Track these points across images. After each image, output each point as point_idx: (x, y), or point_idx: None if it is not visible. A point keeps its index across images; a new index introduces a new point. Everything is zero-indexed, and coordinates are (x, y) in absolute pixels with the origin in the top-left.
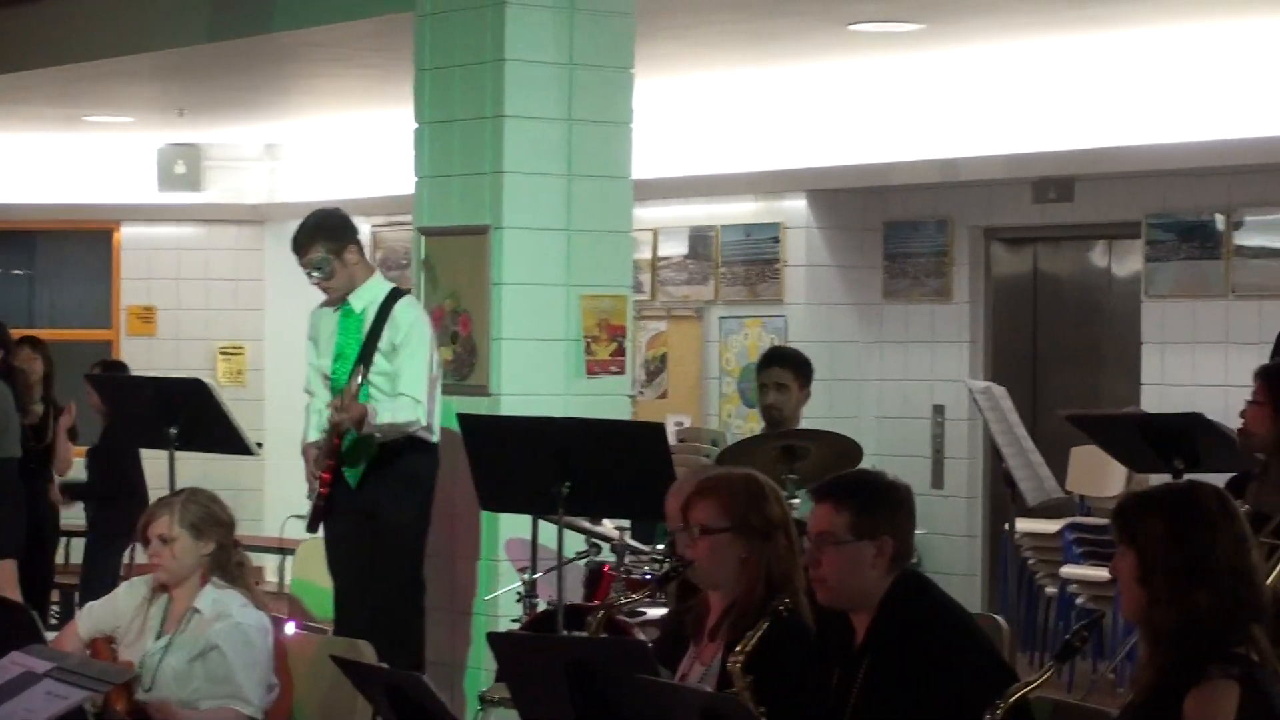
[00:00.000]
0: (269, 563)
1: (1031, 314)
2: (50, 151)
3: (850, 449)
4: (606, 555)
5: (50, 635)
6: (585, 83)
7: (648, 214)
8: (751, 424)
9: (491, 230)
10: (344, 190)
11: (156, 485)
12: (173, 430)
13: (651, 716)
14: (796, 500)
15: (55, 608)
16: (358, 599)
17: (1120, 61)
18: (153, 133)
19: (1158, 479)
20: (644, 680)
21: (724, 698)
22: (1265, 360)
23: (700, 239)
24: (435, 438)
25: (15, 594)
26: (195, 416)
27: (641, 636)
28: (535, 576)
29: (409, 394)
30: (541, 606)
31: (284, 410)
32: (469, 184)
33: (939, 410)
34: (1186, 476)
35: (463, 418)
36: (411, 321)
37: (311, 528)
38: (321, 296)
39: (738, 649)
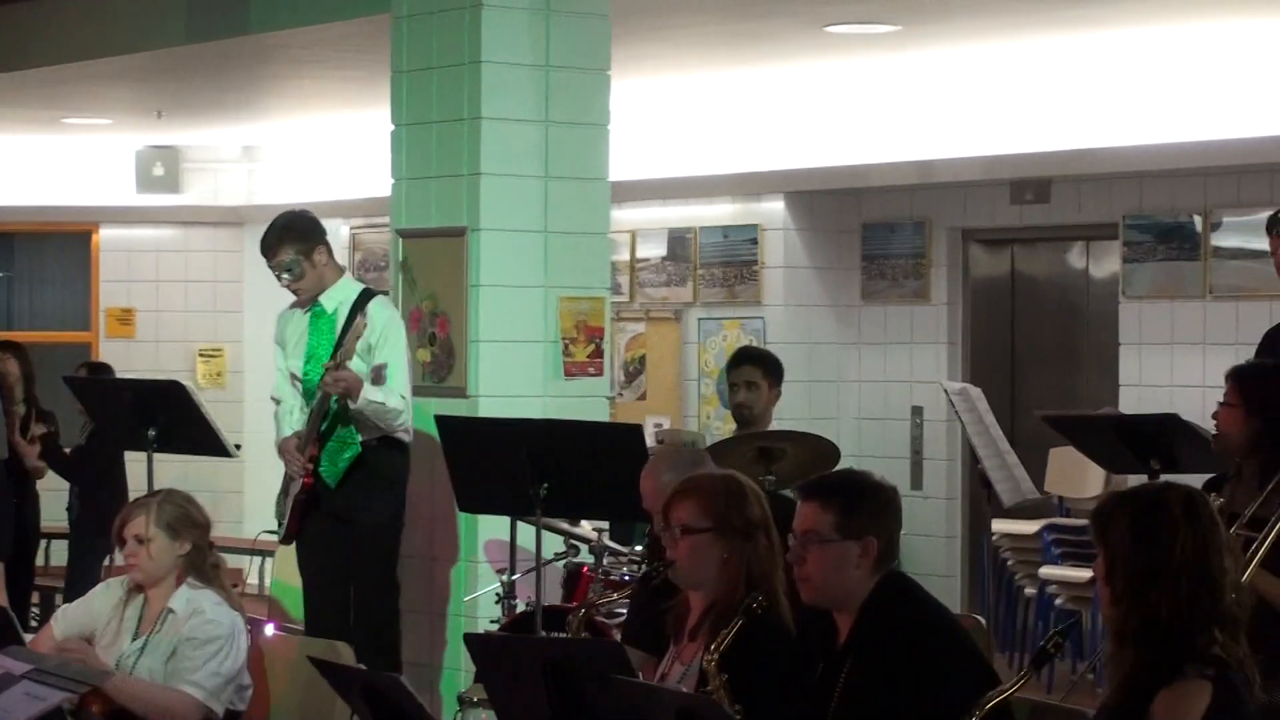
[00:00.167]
0: (249, 565)
1: (1009, 315)
2: (29, 153)
3: (828, 450)
4: (585, 557)
5: (29, 637)
6: (562, 84)
7: (626, 215)
8: (731, 425)
9: (469, 232)
10: (322, 192)
11: (135, 487)
12: (151, 432)
13: (628, 716)
14: None
15: (35, 609)
16: (330, 600)
17: (1097, 63)
18: (131, 135)
19: (1137, 480)
20: (620, 680)
21: (699, 698)
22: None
23: (678, 241)
24: (409, 438)
25: (1, 597)
26: (174, 418)
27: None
28: (514, 578)
29: (397, 390)
30: (520, 607)
31: (264, 412)
32: (446, 186)
33: (918, 412)
34: (1164, 477)
35: (440, 419)
36: (386, 321)
37: (287, 539)
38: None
39: (712, 647)
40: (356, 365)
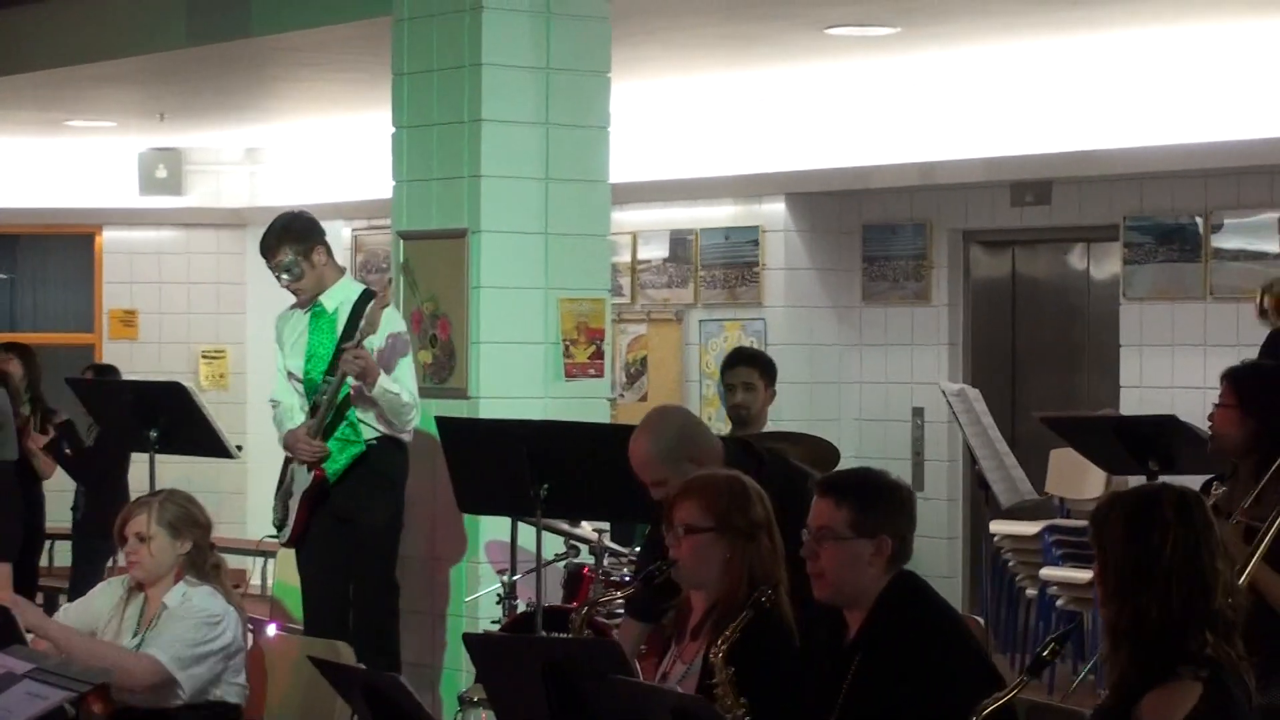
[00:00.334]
0: (252, 566)
1: (1010, 316)
2: (32, 156)
3: (827, 451)
4: (586, 557)
5: (31, 636)
6: (562, 87)
7: (627, 217)
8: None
9: (470, 234)
10: (324, 194)
11: (138, 488)
12: (153, 433)
13: (625, 716)
14: None
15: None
16: (329, 600)
17: (1098, 65)
18: (134, 137)
19: (1138, 482)
20: (618, 680)
21: (694, 699)
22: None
23: (680, 242)
24: (410, 438)
25: (8, 596)
26: (175, 420)
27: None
28: (515, 578)
29: (406, 389)
30: (521, 608)
31: (266, 413)
32: (447, 188)
33: (919, 413)
34: (1162, 478)
35: (440, 420)
36: (390, 321)
37: (293, 540)
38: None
39: (720, 640)
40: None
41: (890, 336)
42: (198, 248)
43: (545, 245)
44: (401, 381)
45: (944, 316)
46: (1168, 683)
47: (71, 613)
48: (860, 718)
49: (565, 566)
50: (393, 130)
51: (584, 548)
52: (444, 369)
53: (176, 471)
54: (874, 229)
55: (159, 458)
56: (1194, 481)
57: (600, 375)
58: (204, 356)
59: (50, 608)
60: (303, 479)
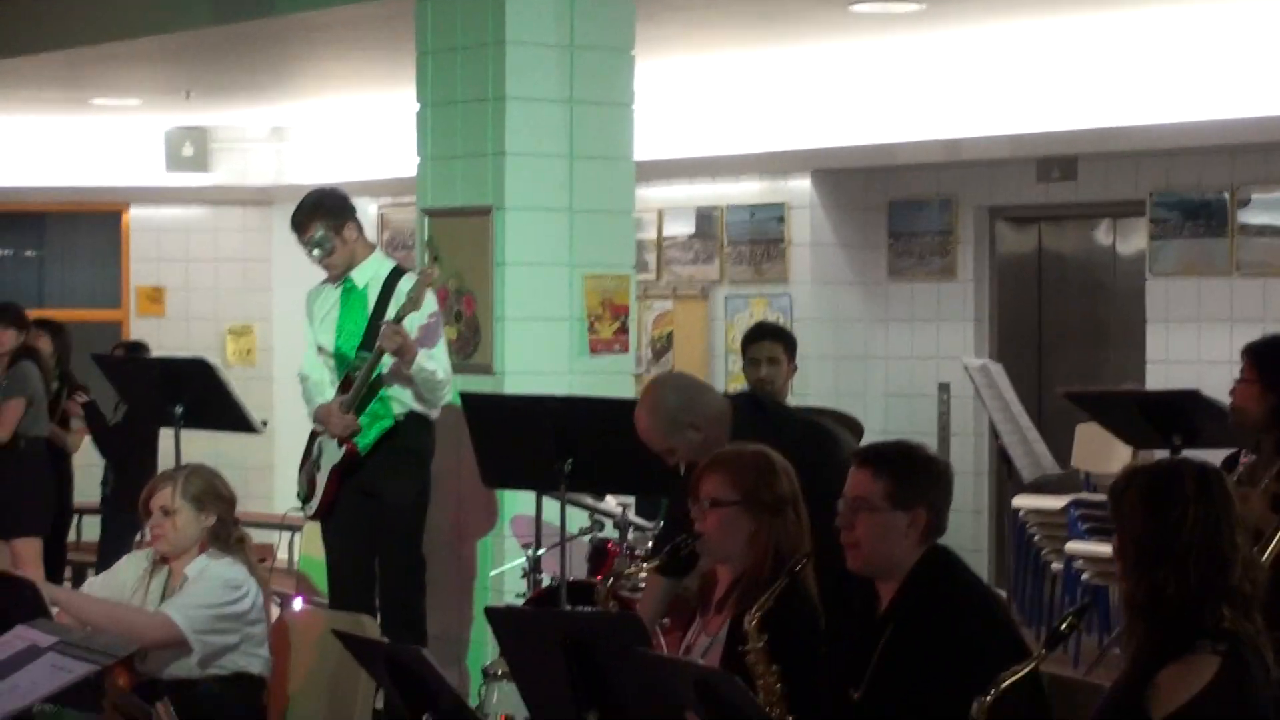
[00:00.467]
0: (279, 540)
1: (1036, 292)
2: (58, 134)
3: (851, 426)
4: (610, 532)
5: (56, 610)
6: (586, 64)
7: (653, 194)
8: None
9: (494, 211)
10: (350, 172)
11: (164, 464)
12: (178, 409)
13: (646, 688)
14: None
15: (68, 584)
16: (355, 574)
17: (1124, 40)
18: (160, 115)
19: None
20: (639, 653)
21: (716, 671)
22: None
23: (706, 219)
24: (437, 414)
25: (39, 572)
26: (200, 395)
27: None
28: (539, 553)
29: (442, 366)
30: (546, 582)
31: (293, 389)
32: (471, 165)
33: (944, 388)
34: (1185, 453)
35: (465, 396)
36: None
37: (319, 513)
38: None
39: (754, 608)
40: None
41: (916, 312)
42: (224, 225)
43: (570, 222)
44: (438, 359)
45: (970, 292)
46: (1185, 656)
47: (97, 585)
48: (889, 689)
49: (590, 541)
50: (417, 108)
51: (608, 522)
52: (469, 345)
53: (204, 447)
54: (900, 205)
55: (188, 433)
56: (1217, 455)
57: (625, 351)
58: (231, 333)
59: (78, 582)
60: (332, 453)
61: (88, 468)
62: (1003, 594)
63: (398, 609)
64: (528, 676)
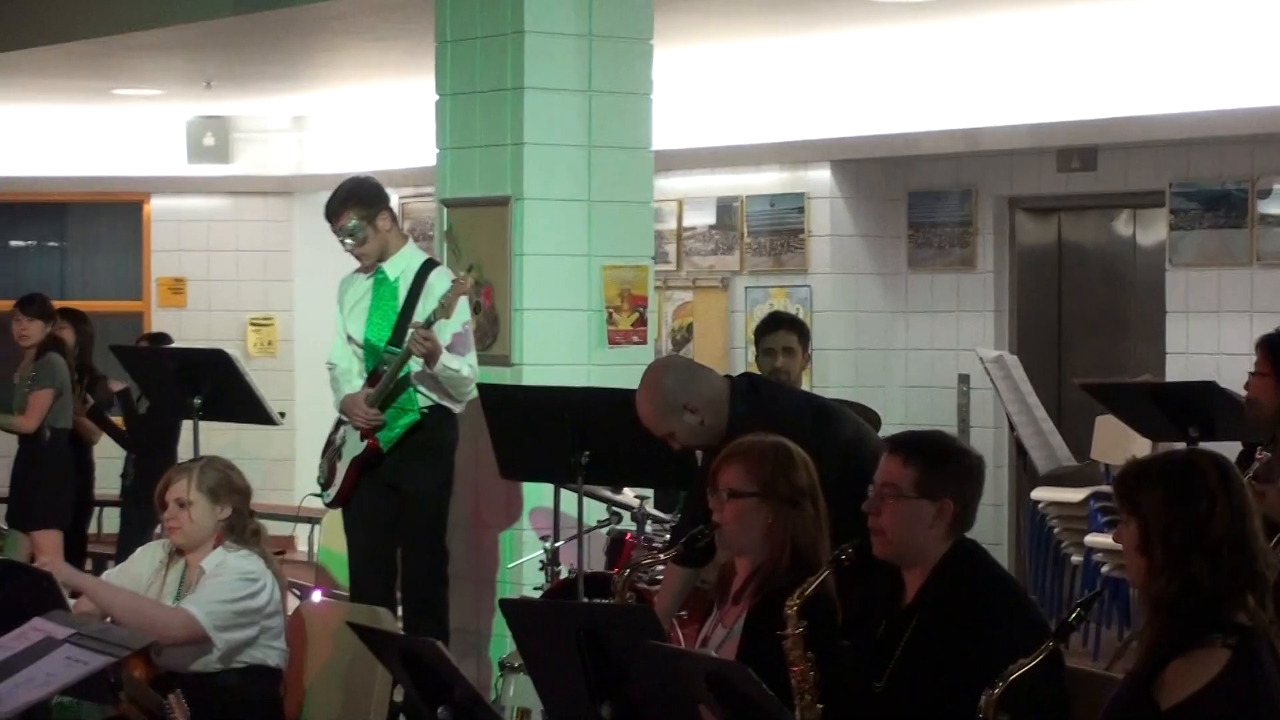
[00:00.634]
0: (299, 532)
1: (1056, 283)
2: (80, 124)
3: (868, 418)
4: (628, 524)
5: (73, 602)
6: (605, 54)
7: (673, 184)
8: None
9: (513, 201)
10: (371, 162)
11: (184, 455)
12: (197, 400)
13: (659, 680)
14: None
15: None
16: (376, 566)
17: (1144, 29)
18: (181, 105)
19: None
20: (652, 645)
21: (728, 663)
22: None
23: (726, 209)
24: (461, 409)
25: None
26: (219, 387)
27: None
28: (557, 545)
29: (468, 360)
30: (564, 574)
31: (314, 381)
32: (490, 155)
33: (964, 379)
34: (1201, 444)
35: (482, 388)
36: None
37: (338, 502)
38: (351, 266)
39: (795, 594)
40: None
41: (936, 303)
42: (245, 215)
43: (588, 212)
44: (466, 359)
45: (990, 283)
46: (1194, 650)
47: (113, 578)
48: (913, 680)
49: (607, 533)
50: (436, 98)
51: (626, 514)
52: (487, 336)
53: (224, 439)
54: (919, 195)
55: (209, 425)
56: (1232, 448)
57: (643, 342)
58: (252, 324)
59: (98, 574)
60: (354, 444)
61: (108, 460)
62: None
63: (420, 601)
64: (542, 668)
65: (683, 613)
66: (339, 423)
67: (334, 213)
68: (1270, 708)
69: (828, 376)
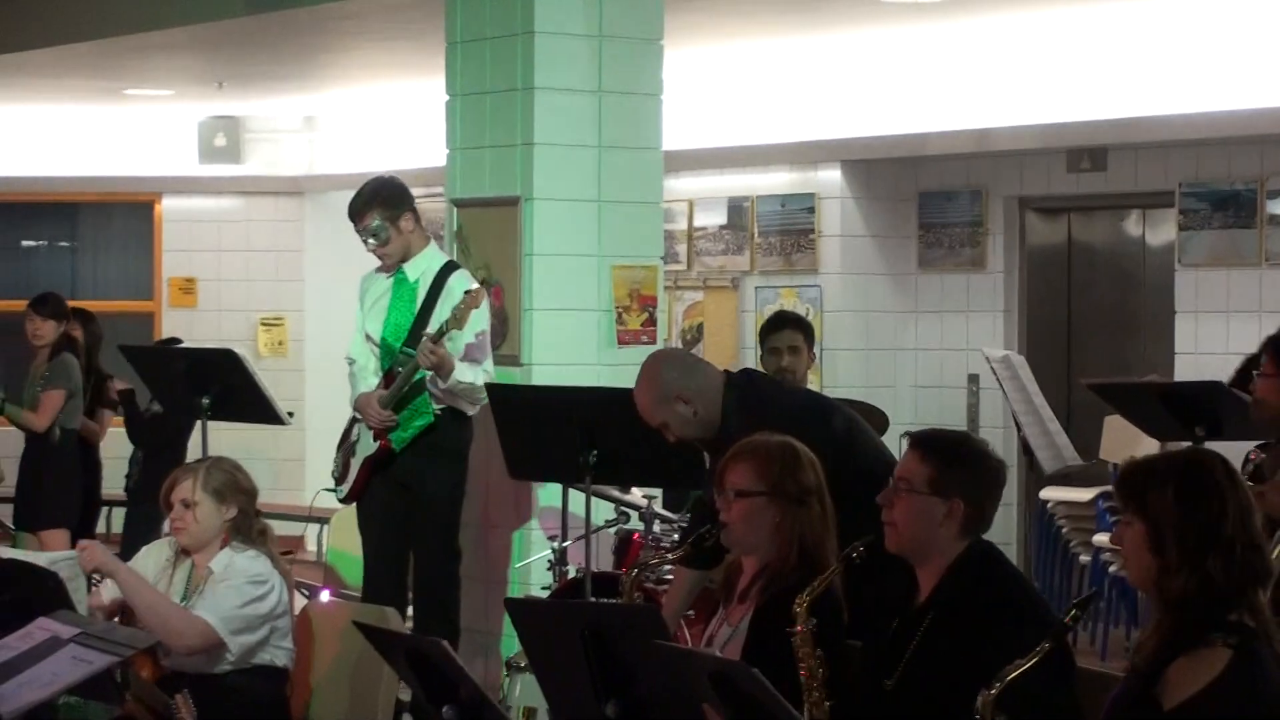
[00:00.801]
0: (309, 532)
1: (1066, 283)
2: (91, 124)
3: (875, 417)
4: (636, 524)
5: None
6: (615, 54)
7: (683, 185)
8: None
9: (523, 201)
10: (383, 162)
11: (192, 455)
12: (205, 400)
13: (664, 679)
14: None
15: (96, 575)
16: (387, 563)
17: (1154, 30)
18: (193, 105)
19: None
20: (656, 645)
21: (732, 663)
22: None
23: (736, 209)
24: (474, 410)
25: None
26: (227, 387)
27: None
28: (565, 544)
29: (484, 366)
30: (572, 573)
31: (325, 381)
32: (500, 156)
33: (974, 379)
34: (1208, 444)
35: (490, 387)
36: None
37: (350, 498)
38: (363, 266)
39: (806, 591)
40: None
41: (946, 303)
42: (256, 215)
43: (598, 213)
44: (485, 368)
45: (999, 283)
46: (1196, 649)
47: None
48: (924, 679)
49: (615, 533)
50: (446, 98)
51: (634, 514)
52: (497, 336)
53: (235, 438)
54: (930, 196)
55: (219, 425)
56: (1239, 447)
57: (653, 342)
58: (263, 324)
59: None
60: (368, 442)
61: (115, 460)
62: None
63: (431, 601)
64: (547, 667)
65: (690, 612)
66: (354, 419)
67: (358, 212)
68: (1272, 708)
69: (837, 376)
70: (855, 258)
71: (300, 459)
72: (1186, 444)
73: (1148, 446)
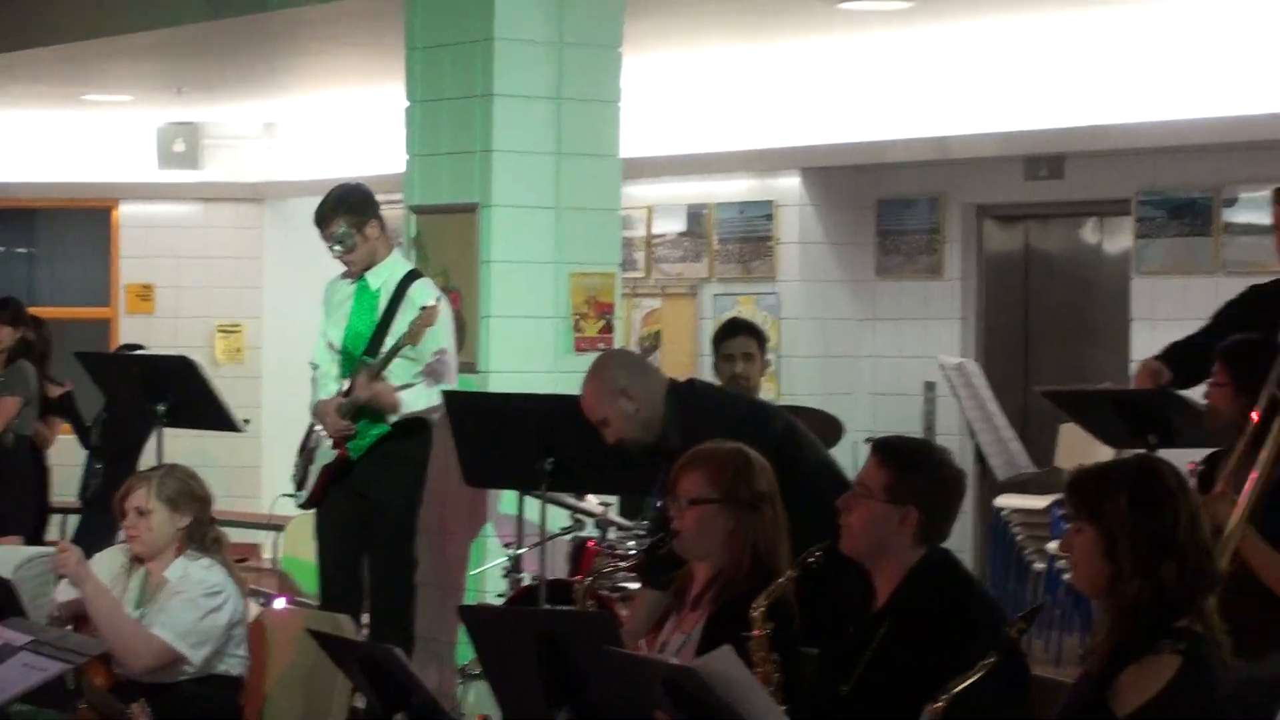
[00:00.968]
0: (264, 540)
1: (1023, 291)
2: (50, 129)
3: (830, 424)
4: (592, 531)
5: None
6: (574, 61)
7: (642, 191)
8: None
9: (481, 208)
10: (342, 168)
11: (147, 463)
12: (161, 408)
13: (617, 686)
14: None
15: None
16: (343, 569)
17: (1111, 38)
18: (152, 110)
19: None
20: (609, 651)
21: (683, 668)
22: None
23: (695, 217)
24: (436, 417)
25: None
26: (183, 394)
27: (625, 612)
28: (520, 552)
29: (447, 381)
30: (526, 581)
31: (282, 387)
32: (458, 162)
33: (930, 387)
34: (1160, 452)
35: (447, 394)
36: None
37: (309, 504)
38: (323, 273)
39: (763, 595)
40: (403, 360)
41: (903, 310)
42: (215, 222)
43: (556, 220)
44: (448, 368)
45: (957, 290)
46: (1146, 657)
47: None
48: (879, 685)
49: (570, 539)
50: (406, 104)
51: (589, 521)
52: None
53: (190, 445)
54: (888, 203)
55: (175, 432)
56: (1188, 455)
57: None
58: (220, 331)
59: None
60: (326, 450)
61: (69, 468)
62: None
63: (386, 609)
64: (500, 675)
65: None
66: (313, 425)
67: (324, 219)
68: (1220, 712)
69: (795, 383)
70: (813, 265)
71: (256, 466)
72: (1138, 452)
73: (1103, 454)
